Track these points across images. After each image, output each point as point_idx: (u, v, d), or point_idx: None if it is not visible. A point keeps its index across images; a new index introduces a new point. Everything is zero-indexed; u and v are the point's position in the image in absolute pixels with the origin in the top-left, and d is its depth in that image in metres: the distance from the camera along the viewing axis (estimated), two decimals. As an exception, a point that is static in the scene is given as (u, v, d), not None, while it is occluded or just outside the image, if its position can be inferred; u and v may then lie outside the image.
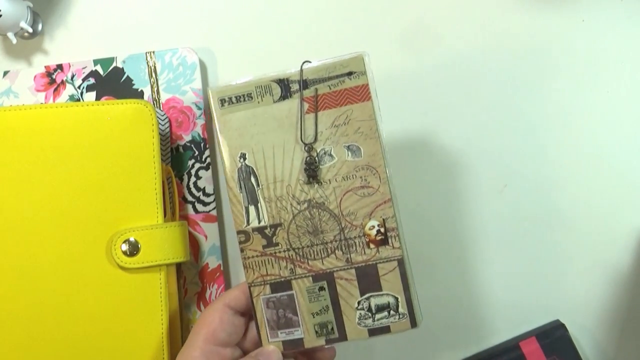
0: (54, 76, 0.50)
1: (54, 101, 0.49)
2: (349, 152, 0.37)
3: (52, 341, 0.42)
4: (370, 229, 0.37)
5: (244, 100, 0.37)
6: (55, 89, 0.49)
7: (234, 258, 0.50)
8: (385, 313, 0.37)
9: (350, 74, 0.36)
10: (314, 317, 0.37)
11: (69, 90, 0.49)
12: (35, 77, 0.50)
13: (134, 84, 0.49)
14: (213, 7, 0.51)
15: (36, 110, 0.43)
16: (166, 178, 0.45)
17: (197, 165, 0.48)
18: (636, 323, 0.48)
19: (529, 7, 0.49)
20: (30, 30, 0.49)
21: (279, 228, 0.37)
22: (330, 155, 0.37)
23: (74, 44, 0.51)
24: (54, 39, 0.51)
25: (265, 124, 0.37)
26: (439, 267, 0.49)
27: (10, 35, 0.48)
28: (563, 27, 0.48)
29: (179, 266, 0.47)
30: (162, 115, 0.47)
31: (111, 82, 0.49)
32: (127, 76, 0.49)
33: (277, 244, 0.37)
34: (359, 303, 0.37)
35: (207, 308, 0.38)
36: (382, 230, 0.37)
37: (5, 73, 0.50)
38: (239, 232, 0.38)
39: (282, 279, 0.37)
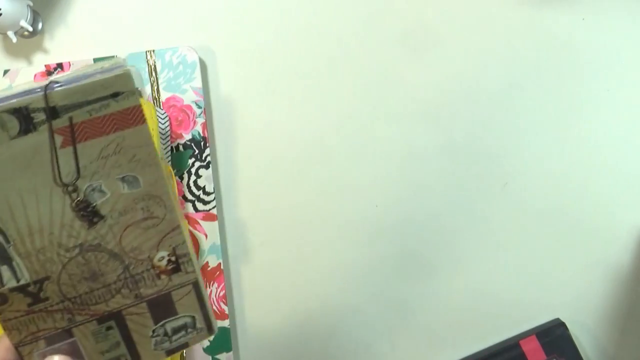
0: (54, 75, 0.50)
1: (54, 100, 0.49)
2: (125, 184, 0.31)
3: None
4: (159, 261, 0.33)
5: None
6: (56, 88, 0.49)
7: (234, 257, 0.50)
8: (183, 332, 0.35)
9: (116, 95, 0.29)
10: (103, 355, 0.34)
11: (69, 89, 0.49)
12: (35, 75, 0.50)
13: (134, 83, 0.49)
14: (213, 6, 0.51)
15: (36, 109, 0.43)
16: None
17: (197, 164, 0.48)
18: (636, 321, 0.48)
19: (529, 6, 0.49)
20: (31, 29, 0.49)
21: (46, 282, 0.32)
22: (101, 191, 0.31)
23: (74, 43, 0.51)
24: (54, 37, 0.51)
25: (3, 169, 0.29)
26: (439, 266, 0.49)
27: (10, 34, 0.48)
28: (563, 26, 0.48)
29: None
30: (162, 114, 0.47)
31: (111, 81, 0.49)
32: (127, 75, 0.49)
33: (46, 299, 0.32)
34: (153, 331, 0.34)
35: None
36: (173, 259, 0.33)
37: (6, 72, 0.50)
38: None
39: (59, 330, 0.33)
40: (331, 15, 0.50)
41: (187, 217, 0.48)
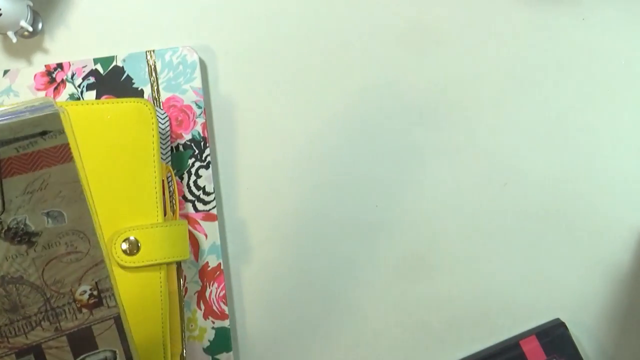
0: (54, 75, 0.50)
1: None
2: (49, 219, 0.32)
3: (52, 340, 0.42)
4: (81, 294, 0.33)
5: None
6: (55, 88, 0.49)
7: (234, 257, 0.50)
8: None
9: (44, 133, 0.30)
10: None
11: (69, 89, 0.49)
12: (35, 76, 0.50)
13: (134, 83, 0.49)
14: (213, 5, 0.51)
15: (36, 109, 0.43)
16: (166, 177, 0.45)
17: (197, 164, 0.48)
18: (636, 321, 0.48)
19: (529, 6, 0.49)
20: (31, 29, 0.49)
21: None
22: (26, 224, 0.31)
23: (74, 43, 0.51)
24: (54, 37, 0.51)
25: None
26: (438, 266, 0.49)
27: (10, 34, 0.48)
28: (563, 26, 0.48)
29: (179, 265, 0.47)
30: (162, 114, 0.47)
31: (111, 81, 0.49)
32: (127, 75, 0.49)
33: None
34: None
35: None
36: (95, 293, 0.34)
37: (5, 72, 0.50)
38: None
39: None
40: (331, 15, 0.50)
41: (187, 217, 0.48)
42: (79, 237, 0.33)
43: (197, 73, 0.48)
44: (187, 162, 0.48)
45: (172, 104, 0.48)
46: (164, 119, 0.47)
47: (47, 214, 0.32)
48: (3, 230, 0.31)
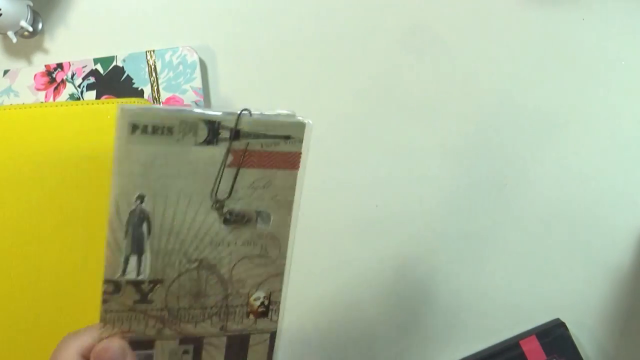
0: (54, 75, 0.50)
1: (54, 100, 0.49)
2: (259, 218, 0.33)
3: (52, 340, 0.42)
4: (255, 300, 0.34)
5: (162, 133, 0.31)
6: (56, 88, 0.49)
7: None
8: None
9: (287, 137, 0.33)
10: None
11: (69, 89, 0.49)
12: (35, 76, 0.50)
13: (134, 83, 0.49)
14: (213, 5, 0.51)
15: (36, 109, 0.43)
16: (166, 177, 0.45)
17: (197, 164, 0.48)
18: (636, 322, 0.48)
19: (529, 6, 0.49)
20: (31, 29, 0.49)
21: (158, 285, 0.33)
22: (238, 216, 0.33)
23: (74, 43, 0.51)
24: (54, 37, 0.52)
25: (177, 167, 0.32)
26: (438, 266, 0.49)
27: (10, 34, 0.48)
28: (563, 26, 0.48)
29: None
30: (162, 114, 0.47)
31: (111, 81, 0.49)
32: (128, 75, 0.49)
33: (151, 301, 0.33)
34: None
35: (57, 354, 0.33)
36: (266, 302, 0.34)
37: (6, 72, 0.50)
38: (107, 282, 0.32)
39: (145, 337, 0.33)
40: (331, 15, 0.50)
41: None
42: (274, 242, 0.34)
43: (197, 73, 0.48)
44: (187, 162, 0.48)
45: (172, 104, 0.49)
46: (164, 119, 0.47)
47: (259, 213, 0.33)
48: (223, 215, 0.33)
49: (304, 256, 0.49)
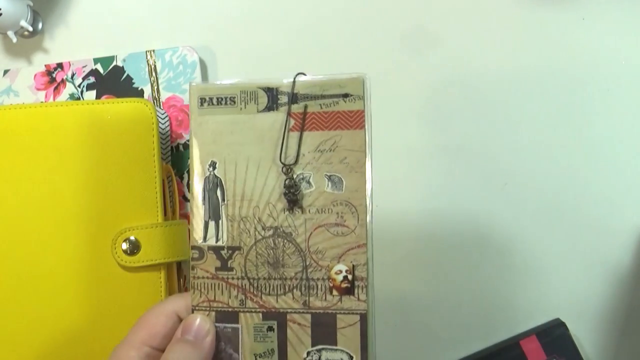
0: (54, 75, 0.50)
1: (54, 100, 0.49)
2: (330, 183, 0.33)
3: (52, 340, 0.42)
4: (336, 274, 0.33)
5: (226, 103, 0.33)
6: (56, 88, 0.49)
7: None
8: None
9: (346, 95, 0.33)
10: (256, 358, 0.33)
11: (69, 89, 0.49)
12: (35, 75, 0.50)
13: (134, 83, 0.49)
14: (213, 5, 0.51)
15: (36, 109, 0.43)
16: (166, 177, 0.45)
17: (198, 164, 0.48)
18: (636, 322, 0.48)
19: (528, 6, 0.49)
20: (31, 29, 0.49)
21: (237, 252, 0.33)
22: (308, 182, 0.33)
23: (74, 43, 0.51)
24: (54, 37, 0.51)
25: (244, 133, 0.33)
26: (439, 266, 0.49)
27: (10, 34, 0.48)
28: (563, 26, 0.48)
29: (179, 265, 0.47)
30: (162, 114, 0.47)
31: (111, 81, 0.49)
32: (128, 75, 0.49)
33: (231, 269, 0.33)
34: (308, 354, 0.33)
35: (152, 308, 0.35)
36: (350, 277, 0.33)
37: (6, 72, 0.50)
38: (193, 248, 0.34)
39: (230, 309, 0.33)
40: (331, 15, 0.50)
41: (187, 217, 0.48)
42: (350, 210, 0.33)
43: (197, 73, 0.48)
44: (187, 162, 0.48)
45: (172, 103, 0.49)
46: (164, 119, 0.47)
47: (329, 178, 0.33)
48: (285, 181, 0.33)
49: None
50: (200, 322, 0.33)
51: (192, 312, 0.34)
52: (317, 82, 0.33)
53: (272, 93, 0.33)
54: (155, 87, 0.49)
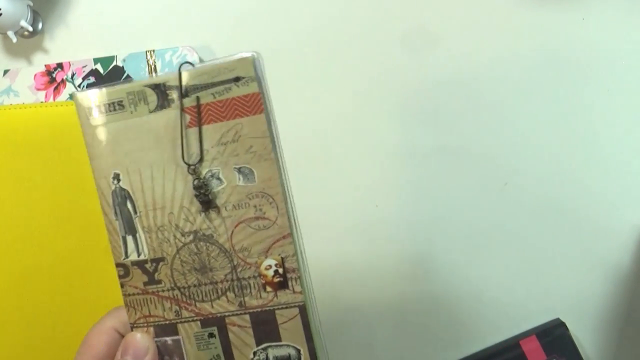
0: (54, 75, 0.50)
1: (54, 100, 0.49)
2: (241, 176, 0.31)
3: (51, 339, 0.42)
4: (266, 269, 0.31)
5: (115, 109, 0.31)
6: (56, 88, 0.49)
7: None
8: None
9: (237, 79, 0.30)
10: None
11: (70, 88, 0.49)
12: (35, 75, 0.50)
13: (134, 83, 0.49)
14: (213, 5, 0.51)
15: (36, 108, 0.43)
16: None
17: (197, 164, 0.48)
18: (636, 322, 0.48)
19: (529, 6, 0.49)
20: (31, 29, 0.49)
21: (161, 263, 0.32)
22: (219, 178, 0.31)
23: (74, 43, 0.51)
24: (54, 37, 0.51)
25: (140, 138, 0.31)
26: (438, 266, 0.49)
27: (10, 34, 0.48)
28: (563, 25, 0.48)
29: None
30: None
31: (111, 81, 0.49)
32: (128, 75, 0.49)
33: (159, 282, 0.32)
34: (254, 354, 0.32)
35: (93, 328, 0.34)
36: (281, 271, 0.31)
37: (6, 72, 0.50)
38: (117, 265, 0.32)
39: (167, 322, 0.32)
40: (331, 15, 0.50)
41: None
42: (267, 201, 0.31)
43: (197, 73, 0.48)
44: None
45: (172, 103, 0.48)
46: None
47: (239, 170, 0.31)
48: (194, 182, 0.31)
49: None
50: (139, 340, 0.32)
51: (132, 330, 0.33)
52: (205, 70, 0.30)
53: (160, 89, 0.31)
54: (155, 87, 0.49)
